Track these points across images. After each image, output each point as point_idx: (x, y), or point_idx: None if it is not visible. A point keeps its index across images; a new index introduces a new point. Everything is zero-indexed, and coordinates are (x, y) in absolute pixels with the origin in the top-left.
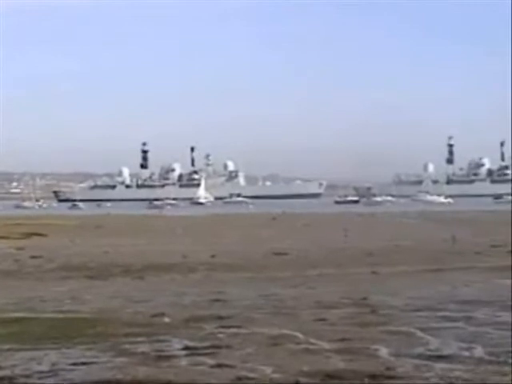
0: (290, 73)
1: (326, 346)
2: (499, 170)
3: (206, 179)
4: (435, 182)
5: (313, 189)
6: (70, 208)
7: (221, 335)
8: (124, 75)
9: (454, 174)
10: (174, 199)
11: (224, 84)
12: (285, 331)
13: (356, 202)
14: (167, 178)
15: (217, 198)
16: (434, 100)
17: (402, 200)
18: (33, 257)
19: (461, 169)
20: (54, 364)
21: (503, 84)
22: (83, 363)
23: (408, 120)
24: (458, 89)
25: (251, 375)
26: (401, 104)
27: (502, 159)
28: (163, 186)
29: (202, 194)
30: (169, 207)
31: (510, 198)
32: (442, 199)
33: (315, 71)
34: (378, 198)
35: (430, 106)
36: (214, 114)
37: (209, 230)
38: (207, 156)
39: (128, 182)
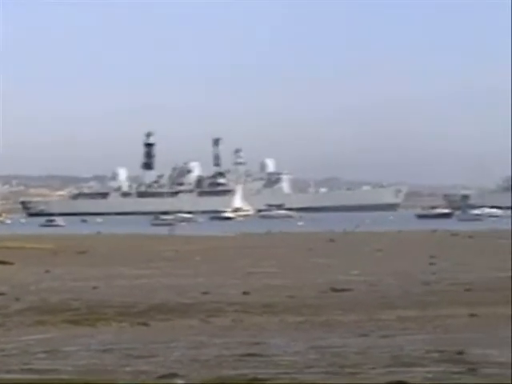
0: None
1: None
2: None
3: (237, 184)
4: None
5: (387, 197)
6: (44, 225)
7: None
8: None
9: None
10: (190, 213)
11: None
12: None
13: (447, 215)
14: (181, 183)
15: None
16: None
17: None
18: None
19: None
20: None
21: None
22: None
23: None
24: None
25: None
26: None
27: None
28: (175, 193)
29: (238, 205)
30: (183, 224)
31: None
32: None
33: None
34: (479, 211)
35: None
36: (246, 97)
37: (240, 257)
38: (237, 151)
39: (126, 188)
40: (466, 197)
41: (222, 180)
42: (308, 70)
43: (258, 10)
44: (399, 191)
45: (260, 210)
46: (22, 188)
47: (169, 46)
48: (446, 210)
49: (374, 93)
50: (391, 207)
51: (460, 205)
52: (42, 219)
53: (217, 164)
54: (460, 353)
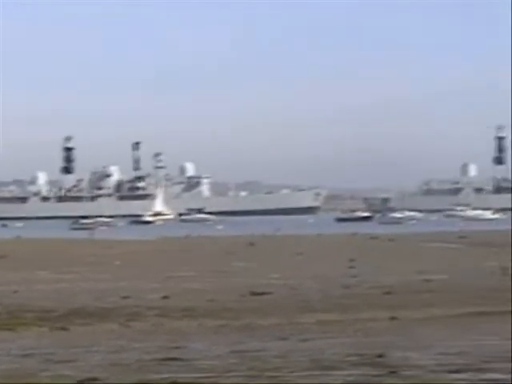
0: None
1: None
2: None
3: (157, 188)
4: (479, 190)
5: (307, 201)
6: None
7: None
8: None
9: (504, 180)
10: (110, 217)
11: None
12: None
13: (367, 218)
14: (100, 188)
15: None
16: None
17: (433, 216)
18: None
19: None
20: None
21: None
22: None
23: (442, 108)
24: None
25: None
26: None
27: None
28: (95, 197)
29: (159, 209)
30: (103, 228)
31: None
32: (488, 214)
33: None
34: (399, 214)
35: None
36: (169, 97)
37: (159, 261)
38: (157, 155)
39: (45, 192)
40: (386, 200)
41: (141, 184)
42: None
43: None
44: (318, 194)
45: (181, 214)
46: None
47: (96, 46)
48: (366, 214)
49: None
50: (311, 210)
51: (380, 208)
52: None
53: (136, 168)
54: (380, 356)
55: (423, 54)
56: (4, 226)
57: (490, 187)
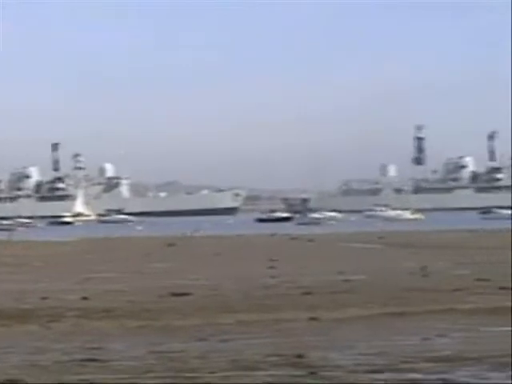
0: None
1: None
2: (487, 173)
3: (77, 189)
4: (398, 190)
5: (226, 201)
6: None
7: None
8: None
9: (424, 180)
10: (29, 218)
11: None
12: None
13: (287, 219)
14: (20, 188)
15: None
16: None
17: (353, 217)
18: None
19: (434, 172)
20: None
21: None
22: None
23: (362, 108)
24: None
25: None
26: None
27: (492, 158)
28: (14, 198)
29: (79, 210)
30: (22, 229)
31: (503, 212)
32: (407, 215)
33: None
34: (318, 215)
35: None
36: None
37: (78, 262)
38: (76, 156)
39: None
40: (305, 200)
41: (60, 185)
42: None
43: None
44: (238, 195)
45: (100, 215)
46: None
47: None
48: (286, 214)
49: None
50: (230, 211)
51: (299, 208)
52: None
53: (56, 169)
54: (300, 356)
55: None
56: None
57: (409, 187)
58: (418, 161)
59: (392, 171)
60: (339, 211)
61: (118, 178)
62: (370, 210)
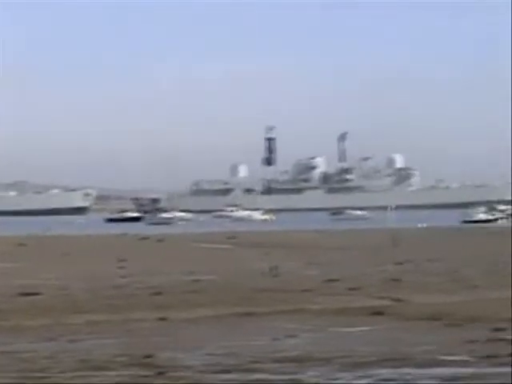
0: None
1: None
2: (337, 174)
3: None
4: (249, 191)
5: (76, 201)
6: None
7: None
8: None
9: (275, 181)
10: None
11: None
12: None
13: (137, 219)
14: None
15: None
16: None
17: (203, 217)
18: None
19: (284, 172)
20: None
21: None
22: None
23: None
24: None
25: None
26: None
27: (342, 159)
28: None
29: None
30: None
31: (354, 213)
32: (258, 215)
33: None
34: (168, 215)
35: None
36: None
37: None
38: None
39: None
40: (155, 200)
41: None
42: None
43: None
44: (88, 194)
45: None
46: None
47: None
48: (136, 214)
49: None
50: (81, 211)
51: (150, 208)
52: None
53: None
54: (149, 356)
55: None
56: None
57: (259, 188)
58: (269, 161)
59: (242, 171)
60: (190, 211)
61: None
62: (221, 210)
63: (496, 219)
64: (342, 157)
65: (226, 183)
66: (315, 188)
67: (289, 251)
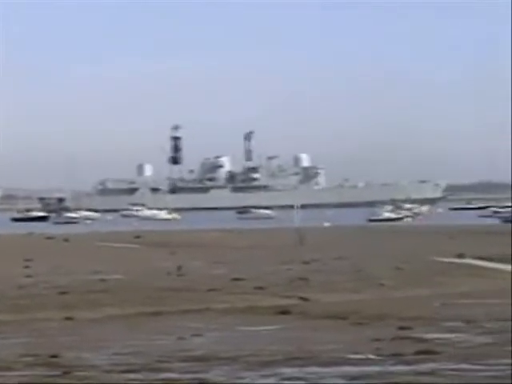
0: None
1: None
2: (244, 173)
3: None
4: (155, 190)
5: None
6: None
7: None
8: None
9: (180, 180)
10: None
11: None
12: None
13: (43, 218)
14: None
15: None
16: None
17: (109, 216)
18: None
19: (190, 171)
20: None
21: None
22: None
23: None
24: None
25: None
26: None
27: (248, 158)
28: None
29: None
30: None
31: (260, 212)
32: (164, 214)
33: None
34: (75, 214)
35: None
36: None
37: None
38: None
39: None
40: (61, 200)
41: None
42: None
43: None
44: None
45: None
46: None
47: None
48: (42, 213)
49: None
50: None
51: (55, 208)
52: None
53: None
54: (54, 356)
55: None
56: None
57: (165, 187)
58: (175, 160)
59: (148, 171)
60: (96, 210)
61: None
62: (127, 210)
63: (402, 218)
64: (248, 156)
65: (131, 182)
66: (221, 187)
67: (195, 250)
